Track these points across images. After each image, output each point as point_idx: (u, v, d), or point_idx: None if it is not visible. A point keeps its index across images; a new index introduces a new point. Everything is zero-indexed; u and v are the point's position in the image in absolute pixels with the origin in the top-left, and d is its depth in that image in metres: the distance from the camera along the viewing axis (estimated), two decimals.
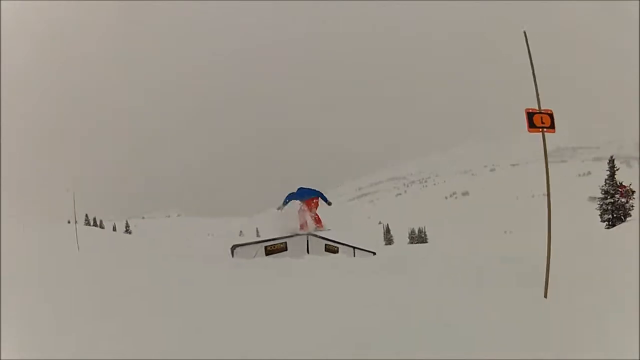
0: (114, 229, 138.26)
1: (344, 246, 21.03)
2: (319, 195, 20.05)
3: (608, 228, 37.61)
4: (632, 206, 38.24)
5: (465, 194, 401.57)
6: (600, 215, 39.76)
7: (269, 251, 17.38)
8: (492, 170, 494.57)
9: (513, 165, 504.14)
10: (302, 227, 19.50)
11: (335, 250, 20.17)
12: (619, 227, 34.73)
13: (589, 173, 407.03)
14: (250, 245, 17.60)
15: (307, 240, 18.78)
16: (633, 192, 38.57)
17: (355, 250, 21.95)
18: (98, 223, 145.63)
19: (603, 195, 39.52)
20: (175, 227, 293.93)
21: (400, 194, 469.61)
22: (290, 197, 19.52)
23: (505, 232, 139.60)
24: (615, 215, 38.44)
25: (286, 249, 17.87)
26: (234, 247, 17.14)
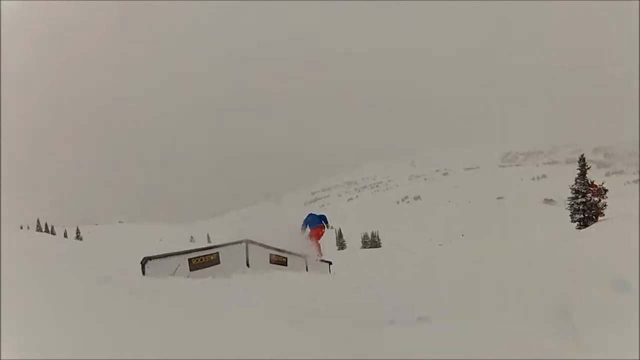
0: (65, 235, 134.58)
1: (294, 255, 17.35)
2: (324, 220, 20.27)
3: (579, 228, 36.59)
4: (605, 205, 37.19)
5: (417, 198, 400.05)
6: (571, 215, 38.49)
7: (194, 265, 13.05)
8: (445, 174, 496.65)
9: (466, 169, 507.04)
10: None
11: (283, 262, 16.69)
12: (594, 227, 33.71)
13: (544, 176, 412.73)
14: (170, 258, 12.74)
15: (247, 250, 14.67)
16: (606, 190, 37.61)
17: (307, 258, 18.67)
18: (50, 229, 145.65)
19: (573, 195, 38.28)
20: (126, 232, 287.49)
21: (351, 199, 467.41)
22: (306, 221, 19.94)
23: (462, 235, 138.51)
24: (586, 215, 37.21)
25: (218, 262, 13.65)
26: (145, 261, 11.98)
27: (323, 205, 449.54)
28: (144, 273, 11.85)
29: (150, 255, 12.42)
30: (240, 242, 14.82)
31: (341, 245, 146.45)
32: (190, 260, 12.91)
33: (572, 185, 38.36)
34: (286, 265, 16.50)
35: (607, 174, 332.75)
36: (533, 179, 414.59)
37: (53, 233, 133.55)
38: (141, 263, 12.01)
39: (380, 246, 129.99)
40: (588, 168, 38.51)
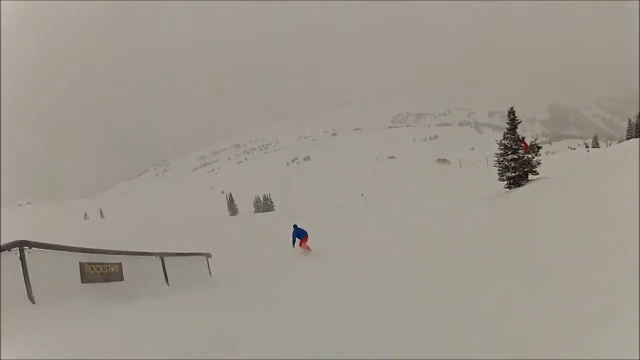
0: None
1: (144, 256, 10.34)
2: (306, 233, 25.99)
3: (509, 187, 32.65)
4: (539, 163, 32.42)
5: (307, 159, 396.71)
6: (500, 173, 33.39)
7: None
8: (334, 134, 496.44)
9: (355, 130, 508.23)
10: None
11: (114, 273, 9.76)
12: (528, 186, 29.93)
13: (436, 137, 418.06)
14: None
15: (24, 265, 7.47)
16: (539, 147, 33.19)
17: (166, 258, 12.51)
18: None
19: (502, 151, 32.99)
20: (26, 215, 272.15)
21: (241, 162, 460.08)
22: (294, 235, 25.72)
23: (362, 195, 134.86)
24: (518, 173, 32.38)
25: None
26: None
27: (213, 170, 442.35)
28: None
29: None
30: None
31: (233, 210, 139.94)
32: None
33: (501, 141, 33.38)
34: (122, 278, 9.53)
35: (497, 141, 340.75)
36: (425, 139, 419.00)
37: None
38: None
39: (273, 210, 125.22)
40: (519, 122, 33.27)
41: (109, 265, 9.27)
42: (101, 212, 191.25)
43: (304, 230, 25.91)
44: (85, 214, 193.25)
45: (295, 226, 26.11)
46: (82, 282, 8.69)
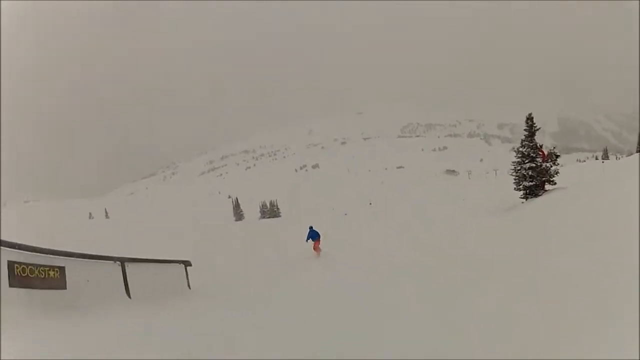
0: None
1: (98, 261, 9.32)
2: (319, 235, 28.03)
3: (525, 198, 31.18)
4: (557, 172, 31.22)
5: (315, 166, 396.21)
6: (516, 183, 32.15)
7: None
8: (343, 143, 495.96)
9: (365, 139, 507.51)
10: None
11: (54, 281, 7.97)
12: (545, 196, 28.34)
13: (445, 148, 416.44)
14: None
15: None
16: (557, 156, 31.95)
17: (128, 265, 10.55)
18: None
19: (519, 159, 31.73)
20: (31, 212, 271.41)
21: (249, 167, 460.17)
22: (309, 235, 27.86)
23: (370, 204, 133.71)
24: (535, 183, 30.98)
25: None
26: None
27: (221, 175, 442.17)
28: None
29: None
30: None
31: (239, 215, 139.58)
32: None
33: (519, 148, 32.28)
34: (64, 286, 7.98)
35: (513, 149, 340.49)
36: (434, 150, 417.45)
37: None
38: None
39: (280, 216, 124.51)
40: (537, 129, 32.08)
41: (47, 269, 7.55)
42: (106, 212, 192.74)
43: (318, 233, 27.84)
44: (90, 213, 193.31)
45: (310, 227, 28.26)
46: (10, 285, 6.96)
